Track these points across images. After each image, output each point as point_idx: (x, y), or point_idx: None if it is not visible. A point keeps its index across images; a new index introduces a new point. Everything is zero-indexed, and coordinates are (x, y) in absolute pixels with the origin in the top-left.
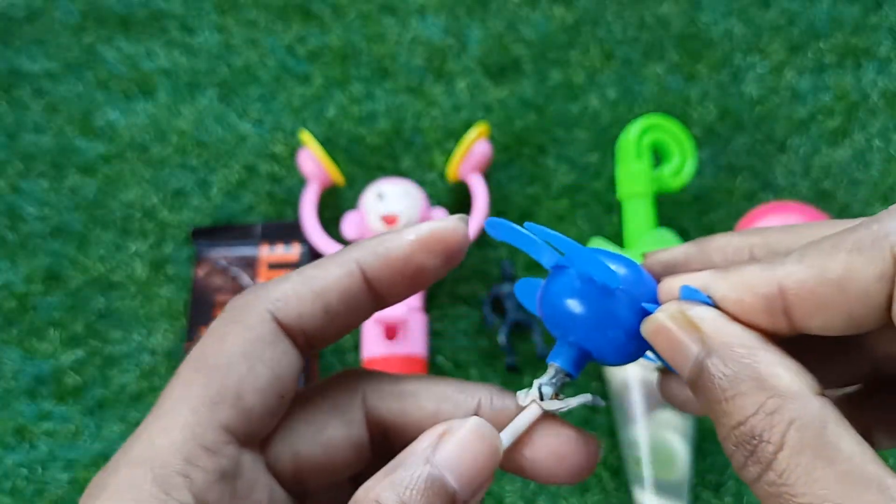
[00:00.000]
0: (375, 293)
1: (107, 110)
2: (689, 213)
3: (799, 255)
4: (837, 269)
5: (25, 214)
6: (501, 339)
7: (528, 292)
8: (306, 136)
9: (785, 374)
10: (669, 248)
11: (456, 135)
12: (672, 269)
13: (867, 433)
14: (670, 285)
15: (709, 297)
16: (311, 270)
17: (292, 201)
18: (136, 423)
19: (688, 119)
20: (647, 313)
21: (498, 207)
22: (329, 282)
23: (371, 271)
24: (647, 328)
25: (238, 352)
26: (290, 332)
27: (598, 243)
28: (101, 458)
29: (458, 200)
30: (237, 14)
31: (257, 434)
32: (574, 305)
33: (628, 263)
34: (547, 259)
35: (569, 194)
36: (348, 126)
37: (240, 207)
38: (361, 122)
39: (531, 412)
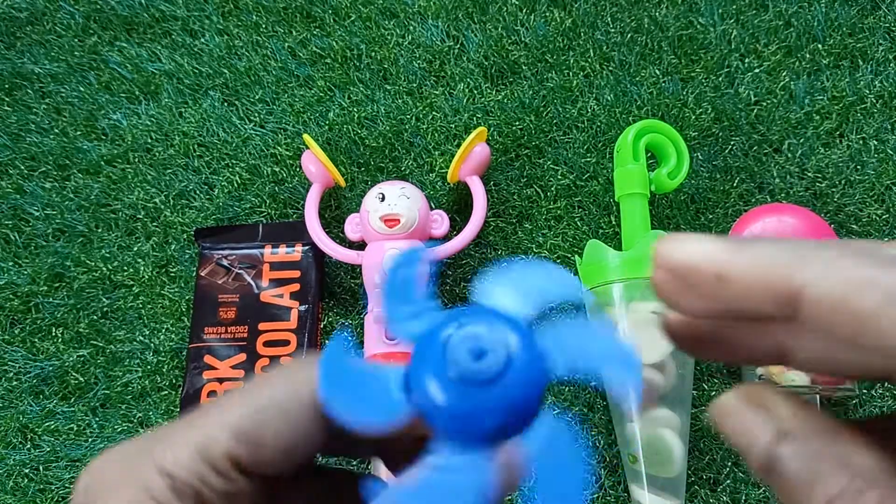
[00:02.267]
0: None
1: (110, 112)
2: (685, 215)
3: (824, 268)
4: (864, 307)
5: (29, 215)
6: None
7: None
8: (308, 139)
9: (866, 457)
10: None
11: (455, 137)
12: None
13: None
14: (668, 249)
15: (718, 271)
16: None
17: (294, 202)
18: (140, 422)
19: (684, 121)
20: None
21: (497, 209)
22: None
23: None
24: (717, 411)
25: (278, 405)
26: (319, 410)
27: (595, 245)
28: None
29: (458, 202)
30: (240, 17)
31: (262, 474)
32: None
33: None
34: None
35: (566, 196)
36: (349, 128)
37: (242, 208)
38: (362, 124)
39: None
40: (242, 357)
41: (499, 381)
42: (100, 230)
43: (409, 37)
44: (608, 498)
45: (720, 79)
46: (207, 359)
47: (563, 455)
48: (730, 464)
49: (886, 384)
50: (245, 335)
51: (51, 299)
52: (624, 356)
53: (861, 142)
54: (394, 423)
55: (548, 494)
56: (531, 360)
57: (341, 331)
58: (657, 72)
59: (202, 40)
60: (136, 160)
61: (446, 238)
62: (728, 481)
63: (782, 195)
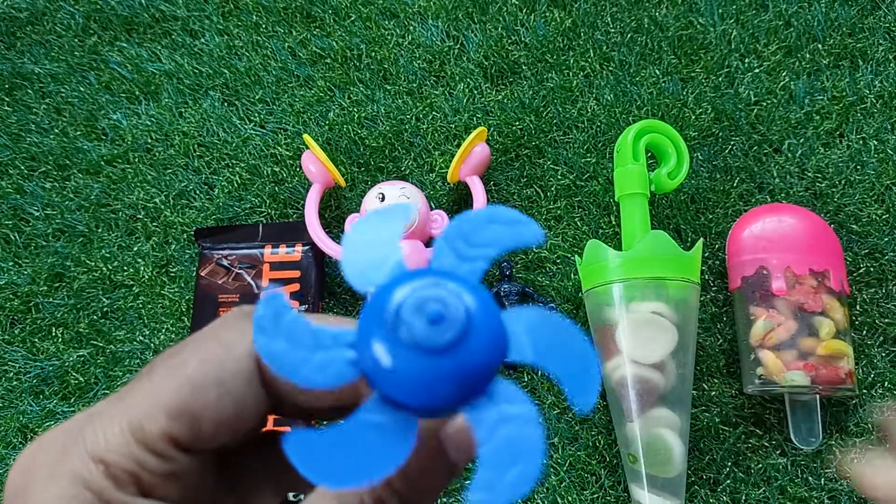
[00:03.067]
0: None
1: (110, 112)
2: (685, 215)
3: None
4: None
5: (29, 215)
6: None
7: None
8: (308, 139)
9: None
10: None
11: (455, 137)
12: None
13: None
14: (866, 481)
15: None
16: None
17: (294, 202)
18: None
19: (684, 121)
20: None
21: None
22: None
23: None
24: (863, 473)
25: (214, 377)
26: (266, 375)
27: (595, 245)
28: None
29: (458, 202)
30: (240, 17)
31: (204, 449)
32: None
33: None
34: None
35: (566, 196)
36: (349, 128)
37: (242, 208)
38: (362, 124)
39: None
40: None
41: (455, 348)
42: (100, 230)
43: (409, 37)
44: (608, 498)
45: (720, 79)
46: None
47: (516, 438)
48: (730, 464)
49: (887, 383)
50: None
51: (51, 299)
52: (585, 359)
53: (861, 142)
54: (339, 383)
55: (489, 482)
56: (491, 328)
57: (273, 289)
58: (657, 72)
59: (202, 40)
60: (137, 160)
61: None
62: (728, 481)
63: (782, 195)
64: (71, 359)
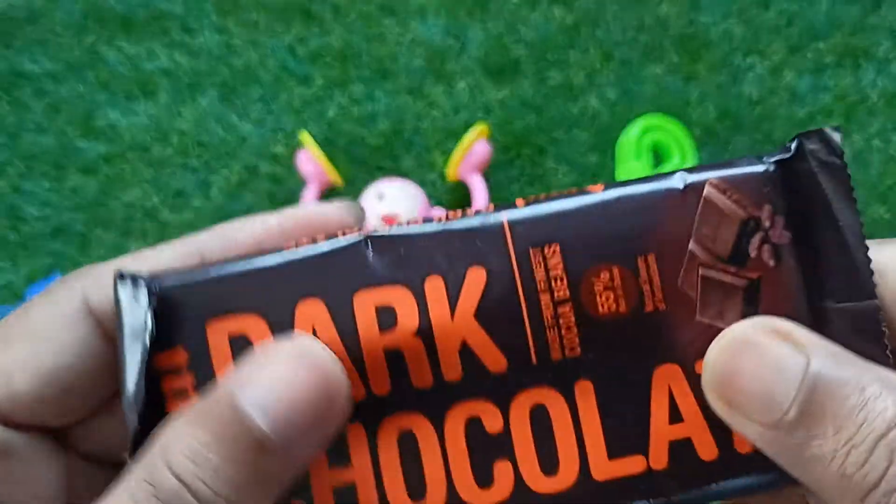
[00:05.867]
0: None
1: (108, 111)
2: None
3: None
4: None
5: (26, 215)
6: None
7: None
8: (305, 138)
9: None
10: None
11: (456, 135)
12: None
13: None
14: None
15: None
16: (149, 253)
17: (293, 202)
18: None
19: (687, 119)
20: None
21: None
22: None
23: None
24: (731, 345)
25: (35, 328)
26: (101, 317)
27: None
28: None
29: (458, 200)
30: (238, 15)
31: (36, 420)
32: None
33: None
34: None
35: None
36: (349, 127)
37: (240, 208)
38: (362, 122)
39: None
40: None
41: None
42: (97, 230)
43: (409, 34)
44: None
45: (723, 77)
46: None
47: None
48: None
49: None
50: None
51: None
52: None
53: (864, 141)
54: None
55: None
56: None
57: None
58: (659, 70)
59: (200, 38)
60: (134, 159)
61: None
62: None
63: None
64: None
